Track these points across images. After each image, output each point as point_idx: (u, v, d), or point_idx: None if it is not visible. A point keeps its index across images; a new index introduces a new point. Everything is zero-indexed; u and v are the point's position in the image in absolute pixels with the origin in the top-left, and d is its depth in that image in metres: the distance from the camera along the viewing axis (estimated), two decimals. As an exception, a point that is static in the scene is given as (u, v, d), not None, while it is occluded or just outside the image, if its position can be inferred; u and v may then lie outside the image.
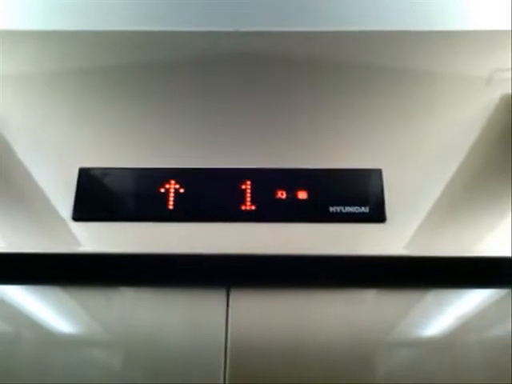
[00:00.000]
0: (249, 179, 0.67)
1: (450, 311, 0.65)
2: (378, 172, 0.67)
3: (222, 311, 0.64)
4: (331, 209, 0.65)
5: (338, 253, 0.63)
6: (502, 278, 0.65)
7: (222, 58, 0.77)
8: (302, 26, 0.80)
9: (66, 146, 0.70)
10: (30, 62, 0.77)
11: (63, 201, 0.66)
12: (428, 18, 0.84)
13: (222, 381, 0.61)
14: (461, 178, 0.68)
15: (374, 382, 0.62)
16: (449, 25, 0.81)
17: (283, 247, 0.64)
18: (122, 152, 0.70)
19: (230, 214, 0.65)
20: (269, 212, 0.65)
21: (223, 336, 0.63)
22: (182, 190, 0.66)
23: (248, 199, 0.66)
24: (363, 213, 0.65)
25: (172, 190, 0.66)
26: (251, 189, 0.66)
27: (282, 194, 0.66)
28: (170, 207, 0.65)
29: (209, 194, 0.66)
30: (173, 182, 0.67)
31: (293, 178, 0.67)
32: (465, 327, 0.64)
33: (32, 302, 0.66)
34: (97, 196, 0.66)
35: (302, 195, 0.66)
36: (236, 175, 0.67)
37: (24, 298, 0.66)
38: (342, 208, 0.65)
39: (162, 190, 0.66)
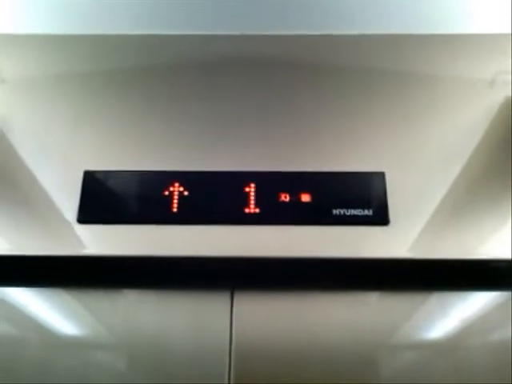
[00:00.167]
0: (253, 182, 0.67)
1: (454, 314, 0.65)
2: (381, 175, 0.68)
3: (227, 313, 0.64)
4: (334, 212, 0.66)
5: (341, 255, 0.64)
6: (505, 280, 0.65)
7: (225, 62, 0.77)
8: (305, 30, 0.80)
9: (70, 149, 0.70)
10: (34, 66, 0.77)
11: (68, 203, 0.66)
12: (430, 22, 0.84)
13: (226, 382, 0.61)
14: (463, 181, 0.68)
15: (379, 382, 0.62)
16: (451, 28, 0.81)
17: (287, 250, 0.64)
18: (126, 155, 0.70)
19: (234, 216, 0.65)
20: (272, 215, 0.66)
21: (227, 338, 0.63)
22: (186, 193, 0.67)
23: (252, 202, 0.66)
24: (366, 216, 0.65)
25: (176, 193, 0.67)
26: (255, 192, 0.67)
27: (285, 197, 0.67)
28: (174, 210, 0.66)
29: (213, 197, 0.66)
30: (177, 184, 0.67)
31: (296, 181, 0.67)
32: (468, 330, 0.64)
33: (36, 304, 0.66)
34: (101, 199, 0.67)
35: (306, 198, 0.67)
36: (240, 178, 0.67)
37: (29, 300, 0.66)
38: (345, 211, 0.66)
39: (167, 193, 0.67)
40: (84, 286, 0.66)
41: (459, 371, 0.62)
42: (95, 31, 0.79)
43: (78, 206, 0.66)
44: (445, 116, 0.72)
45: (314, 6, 0.87)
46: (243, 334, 0.63)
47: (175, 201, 0.66)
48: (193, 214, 0.66)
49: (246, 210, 0.66)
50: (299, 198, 0.66)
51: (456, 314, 0.65)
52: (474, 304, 0.66)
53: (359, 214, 0.65)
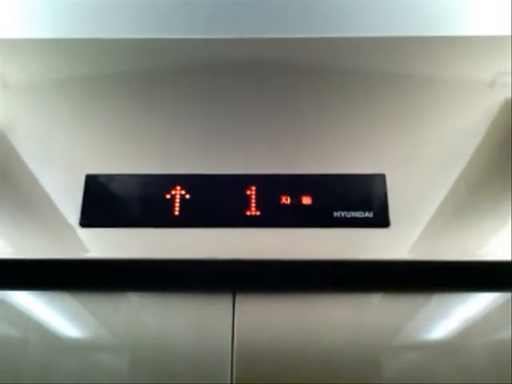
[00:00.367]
0: (253, 185, 0.67)
1: (455, 315, 0.65)
2: (382, 177, 0.68)
3: (229, 315, 0.65)
4: (335, 214, 0.66)
5: (342, 257, 0.64)
6: (506, 281, 0.65)
7: (226, 65, 0.78)
8: (306, 33, 0.80)
9: (73, 153, 0.71)
10: (36, 70, 0.78)
11: (70, 207, 0.67)
12: (430, 24, 0.85)
13: (228, 384, 0.62)
14: (464, 183, 0.68)
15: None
16: (450, 30, 0.82)
17: (288, 252, 0.64)
18: (128, 158, 0.70)
19: (235, 219, 0.66)
20: (273, 217, 0.66)
21: (229, 341, 0.63)
22: (187, 196, 0.67)
23: (253, 205, 0.67)
24: (367, 218, 0.66)
25: (178, 196, 0.67)
26: (256, 194, 0.67)
27: (286, 200, 0.67)
28: (176, 213, 0.66)
29: (214, 200, 0.67)
30: (178, 187, 0.67)
31: (297, 183, 0.68)
32: (469, 331, 0.64)
33: (40, 307, 0.67)
34: (104, 202, 0.67)
35: (307, 200, 0.67)
36: (241, 181, 0.68)
37: (32, 303, 0.67)
38: (346, 213, 0.66)
39: (168, 196, 0.67)
40: (87, 289, 0.67)
41: (461, 372, 0.62)
42: (97, 35, 0.79)
43: (81, 210, 0.66)
44: (445, 118, 0.73)
45: (313, 9, 0.88)
46: (245, 336, 0.64)
47: (177, 204, 0.67)
48: (194, 216, 0.66)
49: (247, 213, 0.66)
50: (300, 201, 0.67)
51: (457, 315, 0.65)
52: (474, 305, 0.66)
53: (360, 216, 0.66)
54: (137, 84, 0.76)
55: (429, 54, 0.78)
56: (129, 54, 0.79)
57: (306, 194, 0.67)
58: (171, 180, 0.68)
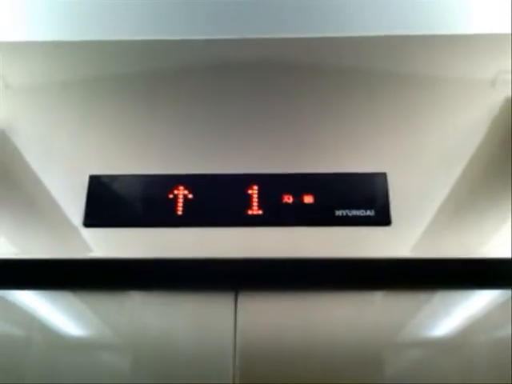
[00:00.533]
0: (255, 184, 0.68)
1: (456, 313, 0.65)
2: (383, 176, 0.68)
3: (231, 315, 0.65)
4: (337, 212, 0.66)
5: (344, 256, 0.64)
6: (507, 279, 0.65)
7: (227, 66, 0.78)
8: (306, 33, 0.81)
9: (76, 154, 0.71)
10: (39, 72, 0.78)
11: (74, 208, 0.67)
12: (430, 22, 0.85)
13: (231, 383, 0.62)
14: (465, 181, 0.68)
15: (383, 383, 0.63)
16: (451, 29, 0.82)
17: (290, 251, 0.65)
18: (131, 159, 0.71)
19: (238, 218, 0.66)
20: (275, 216, 0.66)
21: (232, 339, 0.64)
22: (190, 196, 0.68)
23: (255, 204, 0.67)
24: (369, 216, 0.66)
25: (181, 196, 0.68)
26: (258, 194, 0.67)
27: (288, 199, 0.67)
28: (179, 213, 0.67)
29: (216, 199, 0.67)
30: (181, 187, 0.68)
31: (299, 182, 0.68)
32: (471, 328, 0.64)
33: (44, 307, 0.67)
34: (107, 202, 0.68)
35: (308, 199, 0.67)
36: (243, 180, 0.68)
37: (36, 302, 0.67)
38: (347, 212, 0.66)
39: (171, 196, 0.68)
40: (90, 289, 0.67)
41: (464, 369, 0.63)
42: (99, 37, 0.80)
43: (84, 210, 0.67)
44: (446, 116, 0.73)
45: (314, 9, 0.88)
46: (247, 334, 0.64)
47: (180, 204, 0.67)
48: (197, 216, 0.67)
49: (249, 212, 0.66)
50: (302, 200, 0.67)
51: (458, 312, 0.65)
52: (476, 303, 0.67)
53: (361, 214, 0.66)
54: (139, 85, 0.77)
55: (430, 52, 0.79)
56: (130, 55, 0.80)
57: (308, 192, 0.67)
58: (174, 180, 0.68)
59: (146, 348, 0.64)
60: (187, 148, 0.72)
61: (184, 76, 0.77)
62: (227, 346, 0.63)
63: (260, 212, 0.67)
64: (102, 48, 0.79)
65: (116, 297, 0.67)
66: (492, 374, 0.62)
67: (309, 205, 0.67)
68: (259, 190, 0.68)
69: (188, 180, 0.68)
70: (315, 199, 0.67)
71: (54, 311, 0.67)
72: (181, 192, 0.68)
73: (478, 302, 0.67)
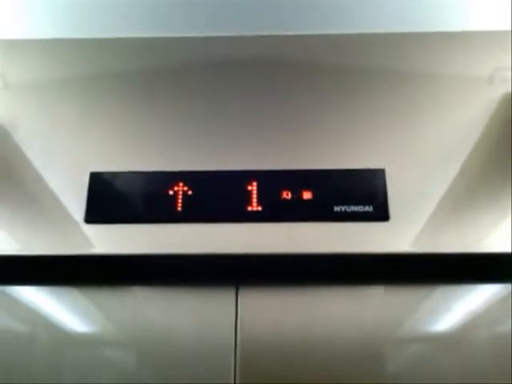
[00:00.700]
0: (255, 180, 0.68)
1: (458, 308, 0.66)
2: (382, 172, 0.69)
3: (232, 309, 0.66)
4: (336, 208, 0.67)
5: (343, 251, 0.65)
6: (506, 274, 0.66)
7: (226, 63, 0.78)
8: (304, 30, 0.81)
9: (76, 151, 0.72)
10: (40, 70, 0.78)
11: (75, 204, 0.68)
12: (428, 19, 0.85)
13: (232, 378, 0.62)
14: (463, 177, 0.69)
15: (383, 378, 0.63)
16: (449, 26, 0.82)
17: (289, 246, 0.65)
18: (131, 156, 0.71)
19: (237, 214, 0.67)
20: (275, 212, 0.67)
21: (233, 334, 0.64)
22: (190, 192, 0.68)
23: (254, 200, 0.67)
24: (367, 212, 0.66)
25: (180, 192, 0.68)
26: (257, 190, 0.68)
27: (287, 195, 0.68)
28: (179, 209, 0.67)
29: (216, 196, 0.68)
30: (181, 184, 0.68)
31: (298, 178, 0.69)
32: (472, 323, 0.65)
33: (47, 302, 0.68)
34: (108, 199, 0.68)
35: (307, 195, 0.68)
36: (242, 177, 0.69)
37: (39, 298, 0.68)
38: (346, 207, 0.67)
39: (171, 192, 0.68)
40: (92, 284, 0.68)
41: (465, 364, 0.63)
42: (98, 35, 0.80)
43: (85, 207, 0.67)
44: (444, 113, 0.73)
45: (312, 7, 0.88)
46: (248, 329, 0.65)
47: (179, 200, 0.68)
48: (197, 212, 0.67)
49: (249, 208, 0.67)
50: (301, 196, 0.68)
51: (458, 307, 0.66)
52: (476, 297, 0.67)
53: (360, 210, 0.66)
54: (138, 82, 0.77)
55: (428, 49, 0.79)
56: (129, 52, 0.80)
57: (307, 188, 0.68)
58: (174, 176, 0.69)
59: (148, 342, 0.65)
60: (187, 145, 0.72)
61: (183, 73, 0.78)
62: (228, 340, 0.64)
63: (259, 208, 0.67)
64: (101, 46, 0.80)
65: (117, 292, 0.68)
66: (493, 368, 0.63)
67: (308, 201, 0.67)
68: (258, 186, 0.68)
69: (187, 177, 0.69)
70: (314, 195, 0.68)
71: (56, 307, 0.68)
72: (180, 188, 0.68)
73: (478, 296, 0.67)
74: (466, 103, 0.74)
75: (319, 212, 0.67)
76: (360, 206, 0.67)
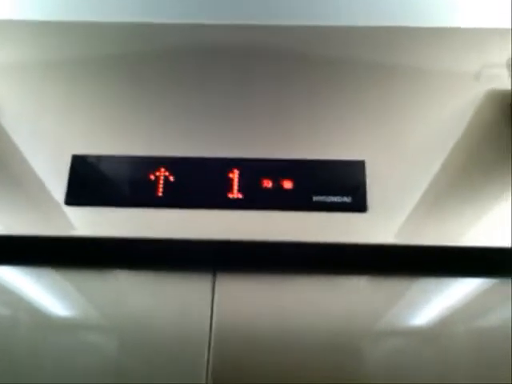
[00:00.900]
0: (236, 168, 0.69)
1: (436, 301, 0.67)
2: (361, 163, 0.69)
3: (208, 294, 0.66)
4: (315, 198, 0.67)
5: (321, 240, 0.65)
6: (486, 267, 0.67)
7: (214, 50, 0.79)
8: (295, 21, 0.81)
9: (60, 134, 0.72)
10: (26, 52, 0.78)
11: (57, 186, 0.68)
12: (417, 15, 0.85)
13: (205, 360, 0.63)
14: (445, 171, 0.69)
15: (360, 369, 0.64)
16: (437, 21, 0.82)
17: (268, 234, 0.66)
18: (114, 140, 0.72)
19: (218, 201, 0.67)
20: (255, 200, 0.68)
21: (208, 320, 0.65)
22: (171, 178, 0.68)
23: (235, 187, 0.68)
24: (345, 202, 0.67)
25: (162, 178, 0.68)
26: (238, 177, 0.68)
27: (268, 183, 0.68)
28: (160, 194, 0.68)
29: (197, 182, 0.68)
30: (163, 169, 0.69)
31: (279, 167, 0.69)
32: (451, 317, 0.66)
33: (27, 283, 0.68)
34: (89, 182, 0.69)
35: (288, 185, 0.68)
36: (224, 164, 0.69)
37: (19, 278, 0.69)
38: (325, 197, 0.67)
39: (152, 178, 0.68)
40: (72, 266, 0.68)
41: (444, 358, 0.64)
42: (86, 18, 0.80)
43: (66, 189, 0.68)
44: (430, 107, 0.74)
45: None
46: (224, 314, 0.65)
47: (161, 185, 0.68)
48: (177, 198, 0.68)
49: (230, 195, 0.68)
50: (281, 185, 0.68)
51: (438, 301, 0.67)
52: (455, 291, 0.68)
53: (338, 200, 0.67)
54: (124, 67, 0.77)
55: (416, 44, 0.79)
56: (118, 37, 0.80)
57: (288, 178, 0.69)
58: (156, 162, 0.69)
59: (127, 326, 0.66)
60: (170, 131, 0.72)
61: (169, 59, 0.78)
62: (203, 325, 0.65)
63: (240, 196, 0.68)
64: (89, 29, 0.80)
65: (97, 274, 0.68)
66: (472, 362, 0.64)
67: (288, 190, 0.68)
68: (240, 173, 0.69)
69: (169, 162, 0.69)
70: (294, 184, 0.68)
71: (36, 288, 0.68)
72: (162, 174, 0.69)
73: (458, 290, 0.68)
74: (451, 99, 0.74)
75: (299, 201, 0.68)
76: (338, 197, 0.67)
